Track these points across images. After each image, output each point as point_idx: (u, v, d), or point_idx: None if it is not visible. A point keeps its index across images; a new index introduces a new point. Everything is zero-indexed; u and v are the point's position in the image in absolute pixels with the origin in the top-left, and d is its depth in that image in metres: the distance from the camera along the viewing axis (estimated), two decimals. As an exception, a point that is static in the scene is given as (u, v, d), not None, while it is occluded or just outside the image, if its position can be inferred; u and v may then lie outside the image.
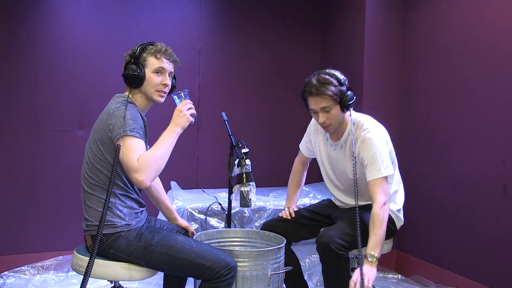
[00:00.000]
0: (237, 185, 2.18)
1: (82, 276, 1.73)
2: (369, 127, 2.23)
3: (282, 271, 2.11)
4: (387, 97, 3.48)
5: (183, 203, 3.00)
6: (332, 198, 2.53)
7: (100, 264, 1.87)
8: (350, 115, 2.25)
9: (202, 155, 3.77)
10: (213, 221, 2.98)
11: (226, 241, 2.35)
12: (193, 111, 1.98)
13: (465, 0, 2.92)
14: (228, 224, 2.46)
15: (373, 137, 2.18)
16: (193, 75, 3.72)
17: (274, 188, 3.63)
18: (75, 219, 3.31)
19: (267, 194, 3.37)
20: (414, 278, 3.27)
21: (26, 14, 3.25)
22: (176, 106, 1.99)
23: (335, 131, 2.29)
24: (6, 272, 3.11)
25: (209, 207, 2.97)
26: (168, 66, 2.01)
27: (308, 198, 3.25)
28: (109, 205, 1.88)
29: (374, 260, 2.01)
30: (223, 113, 2.43)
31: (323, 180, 2.54)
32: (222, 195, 3.20)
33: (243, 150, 2.21)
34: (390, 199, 2.34)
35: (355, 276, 1.97)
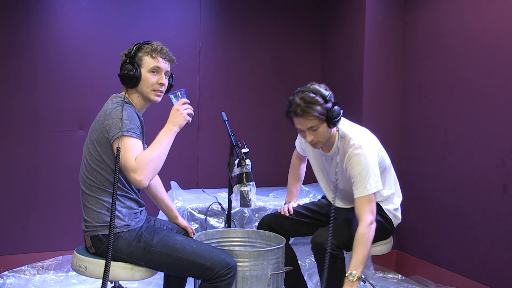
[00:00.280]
0: (237, 185, 2.19)
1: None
2: (356, 142, 2.17)
3: (282, 271, 2.11)
4: (387, 97, 3.48)
5: (183, 203, 3.00)
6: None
7: (100, 264, 1.87)
8: (338, 130, 2.21)
9: (202, 155, 3.77)
10: (213, 221, 2.98)
11: (226, 241, 2.35)
12: (190, 110, 1.98)
13: (465, 0, 2.92)
14: (228, 224, 2.46)
15: (360, 154, 2.13)
16: (193, 75, 3.72)
17: (274, 188, 3.63)
18: (75, 219, 3.30)
19: (267, 194, 3.37)
20: (414, 278, 3.27)
21: (26, 14, 3.25)
22: (173, 105, 1.99)
23: (324, 145, 2.26)
24: (6, 272, 3.11)
25: (209, 207, 2.97)
26: (164, 65, 2.01)
27: (308, 198, 3.25)
28: (108, 206, 1.89)
29: (355, 279, 1.98)
30: (223, 113, 2.43)
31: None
32: (222, 195, 3.20)
33: (243, 150, 2.21)
34: (386, 200, 2.35)
35: None
